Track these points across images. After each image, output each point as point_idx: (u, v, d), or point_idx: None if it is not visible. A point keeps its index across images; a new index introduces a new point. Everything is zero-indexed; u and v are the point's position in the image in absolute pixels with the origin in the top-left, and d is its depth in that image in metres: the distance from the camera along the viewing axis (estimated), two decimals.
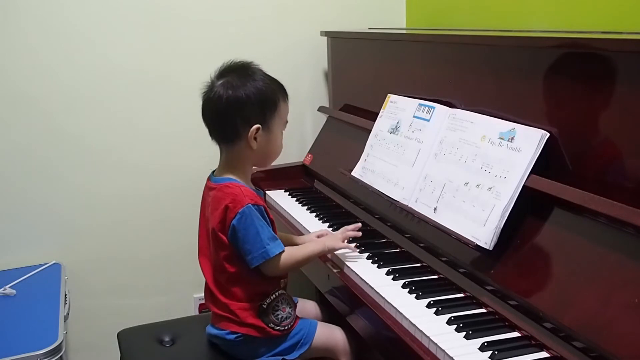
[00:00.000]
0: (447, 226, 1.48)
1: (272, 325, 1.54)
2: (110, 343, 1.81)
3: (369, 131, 1.94)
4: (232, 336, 1.54)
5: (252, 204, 1.48)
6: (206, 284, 1.58)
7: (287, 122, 1.59)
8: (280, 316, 1.55)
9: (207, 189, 1.58)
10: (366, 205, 1.91)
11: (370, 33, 2.28)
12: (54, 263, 2.20)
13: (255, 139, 1.51)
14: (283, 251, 1.51)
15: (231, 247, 1.50)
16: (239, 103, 1.49)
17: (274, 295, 1.55)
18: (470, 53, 1.65)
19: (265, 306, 1.54)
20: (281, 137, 1.59)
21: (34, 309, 1.86)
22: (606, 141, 1.27)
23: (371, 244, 1.70)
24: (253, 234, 1.47)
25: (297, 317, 1.61)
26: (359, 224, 1.68)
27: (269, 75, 1.56)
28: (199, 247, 1.59)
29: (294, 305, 1.61)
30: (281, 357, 1.56)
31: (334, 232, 1.70)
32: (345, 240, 1.63)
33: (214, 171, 1.61)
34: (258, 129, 1.50)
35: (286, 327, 1.56)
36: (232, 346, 1.56)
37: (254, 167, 1.64)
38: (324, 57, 2.47)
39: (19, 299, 1.93)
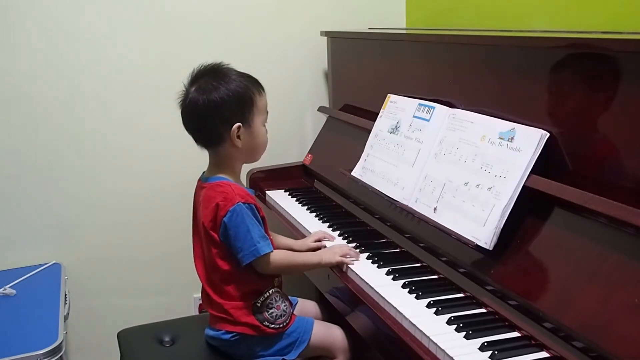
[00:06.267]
0: (447, 226, 1.48)
1: (266, 323, 1.54)
2: (110, 343, 1.81)
3: (369, 131, 1.94)
4: (228, 336, 1.54)
5: (242, 202, 1.49)
6: (202, 286, 1.59)
7: (267, 112, 1.60)
8: (274, 314, 1.55)
9: (198, 188, 1.60)
10: (366, 205, 1.91)
11: (370, 33, 2.28)
12: (54, 263, 2.20)
13: (238, 137, 1.52)
14: (272, 251, 1.52)
15: (223, 245, 1.51)
16: (216, 106, 1.50)
17: (267, 293, 1.55)
18: (471, 53, 1.65)
19: (259, 304, 1.54)
20: (264, 130, 1.59)
21: (34, 309, 1.86)
22: (606, 141, 1.27)
23: (371, 244, 1.70)
24: (243, 232, 1.48)
25: (293, 315, 1.61)
26: (360, 255, 1.64)
27: (241, 72, 1.57)
28: (193, 248, 1.60)
29: (289, 303, 1.61)
30: (281, 358, 1.56)
31: (333, 246, 1.68)
32: (344, 256, 1.61)
33: (204, 172, 1.62)
34: (239, 127, 1.52)
35: (281, 325, 1.56)
36: (229, 346, 1.56)
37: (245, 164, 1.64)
38: (324, 57, 2.47)
39: (19, 299, 1.93)
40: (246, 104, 1.53)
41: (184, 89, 1.55)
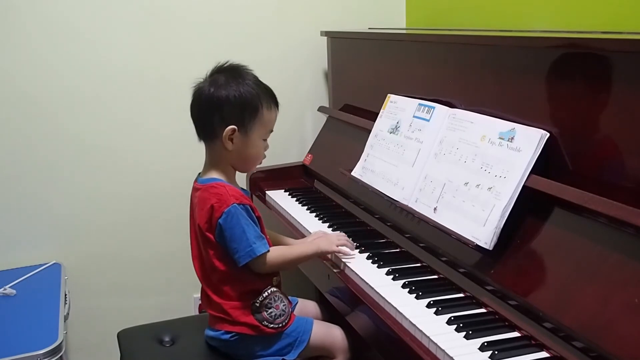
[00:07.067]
0: (447, 226, 1.48)
1: (265, 323, 1.54)
2: (110, 343, 1.81)
3: (369, 131, 1.94)
4: (227, 336, 1.54)
5: (237, 203, 1.49)
6: (201, 287, 1.59)
7: (271, 130, 1.59)
8: (273, 314, 1.55)
9: (194, 190, 1.59)
10: (366, 205, 1.91)
11: (370, 33, 2.28)
12: (54, 263, 2.20)
13: (231, 140, 1.52)
14: (268, 251, 1.52)
15: (219, 246, 1.51)
16: (218, 102, 1.51)
17: (266, 293, 1.55)
18: (470, 53, 1.65)
19: (257, 304, 1.54)
20: (262, 145, 1.58)
21: (34, 309, 1.86)
22: (606, 141, 1.27)
23: (371, 244, 1.70)
24: (239, 233, 1.48)
25: (292, 315, 1.61)
26: (354, 246, 1.65)
27: (259, 81, 1.57)
28: (191, 249, 1.60)
29: (288, 303, 1.61)
30: (281, 358, 1.56)
31: (329, 234, 1.70)
32: (341, 246, 1.62)
33: (200, 173, 1.62)
34: (233, 130, 1.51)
35: (280, 325, 1.56)
36: (228, 346, 1.56)
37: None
38: (324, 57, 2.47)
39: (19, 299, 1.93)
40: (249, 111, 1.52)
41: (203, 78, 1.56)
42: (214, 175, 1.56)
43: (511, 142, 1.39)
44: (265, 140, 1.58)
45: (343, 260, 1.61)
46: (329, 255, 1.66)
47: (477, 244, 1.37)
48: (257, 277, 1.55)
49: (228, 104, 1.51)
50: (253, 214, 1.53)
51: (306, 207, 2.06)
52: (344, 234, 1.70)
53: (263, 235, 1.54)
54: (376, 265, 1.57)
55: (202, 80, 1.55)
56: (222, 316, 1.54)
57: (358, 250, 1.65)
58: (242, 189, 1.59)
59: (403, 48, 1.98)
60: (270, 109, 1.56)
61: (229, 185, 1.54)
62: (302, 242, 1.75)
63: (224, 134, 1.51)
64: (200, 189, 1.55)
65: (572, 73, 1.32)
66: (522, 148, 1.36)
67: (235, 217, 1.48)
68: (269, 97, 1.56)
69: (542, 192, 1.30)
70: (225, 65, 1.57)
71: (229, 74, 1.54)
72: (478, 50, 1.62)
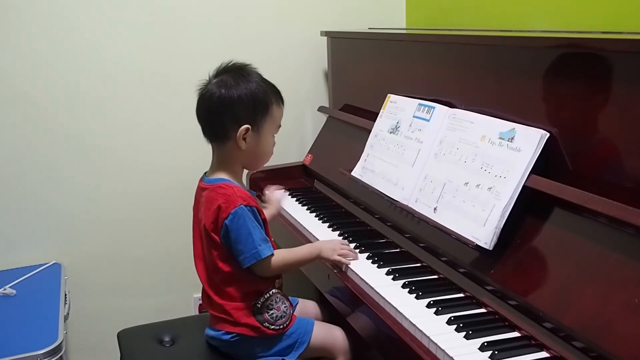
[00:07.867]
0: (447, 226, 1.48)
1: (266, 324, 1.54)
2: (110, 343, 1.81)
3: (369, 131, 1.94)
4: (228, 336, 1.54)
5: (244, 205, 1.48)
6: (202, 287, 1.58)
7: (280, 126, 1.60)
8: (274, 315, 1.55)
9: (200, 189, 1.59)
10: (366, 205, 1.91)
11: (370, 33, 2.28)
12: (54, 263, 2.20)
13: (244, 139, 1.52)
14: (273, 254, 1.52)
15: (223, 247, 1.51)
16: (230, 102, 1.50)
17: (267, 294, 1.55)
18: (471, 53, 1.65)
19: (259, 305, 1.54)
20: (272, 141, 1.59)
21: (34, 309, 1.86)
22: (606, 141, 1.27)
23: (371, 244, 1.70)
24: (245, 235, 1.48)
25: (293, 316, 1.61)
26: (358, 255, 1.64)
27: (264, 79, 1.57)
28: (193, 249, 1.60)
29: (289, 304, 1.61)
30: (281, 358, 1.56)
31: (333, 240, 1.69)
32: (342, 256, 1.60)
33: (206, 172, 1.61)
34: (247, 129, 1.51)
35: (281, 326, 1.56)
36: (229, 346, 1.56)
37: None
38: (324, 57, 2.47)
39: (19, 299, 1.93)
40: (260, 109, 1.53)
41: (207, 80, 1.55)
42: (222, 175, 1.55)
43: (511, 142, 1.39)
44: (273, 136, 1.59)
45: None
46: None
47: (477, 244, 1.37)
48: (260, 278, 1.55)
49: (240, 103, 1.50)
50: (259, 217, 1.53)
51: (306, 207, 2.06)
52: (347, 242, 1.68)
53: (268, 238, 1.54)
54: (376, 265, 1.57)
55: (206, 82, 1.54)
56: (224, 316, 1.54)
57: (358, 250, 1.65)
58: (249, 189, 1.59)
59: (403, 48, 1.98)
60: (279, 105, 1.58)
61: (237, 186, 1.54)
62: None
63: (238, 134, 1.51)
64: (207, 189, 1.54)
65: (572, 73, 1.32)
66: (522, 148, 1.36)
67: (242, 218, 1.48)
68: (276, 94, 1.58)
69: (542, 192, 1.30)
70: (229, 65, 1.57)
71: (236, 74, 1.54)
72: (478, 50, 1.62)
